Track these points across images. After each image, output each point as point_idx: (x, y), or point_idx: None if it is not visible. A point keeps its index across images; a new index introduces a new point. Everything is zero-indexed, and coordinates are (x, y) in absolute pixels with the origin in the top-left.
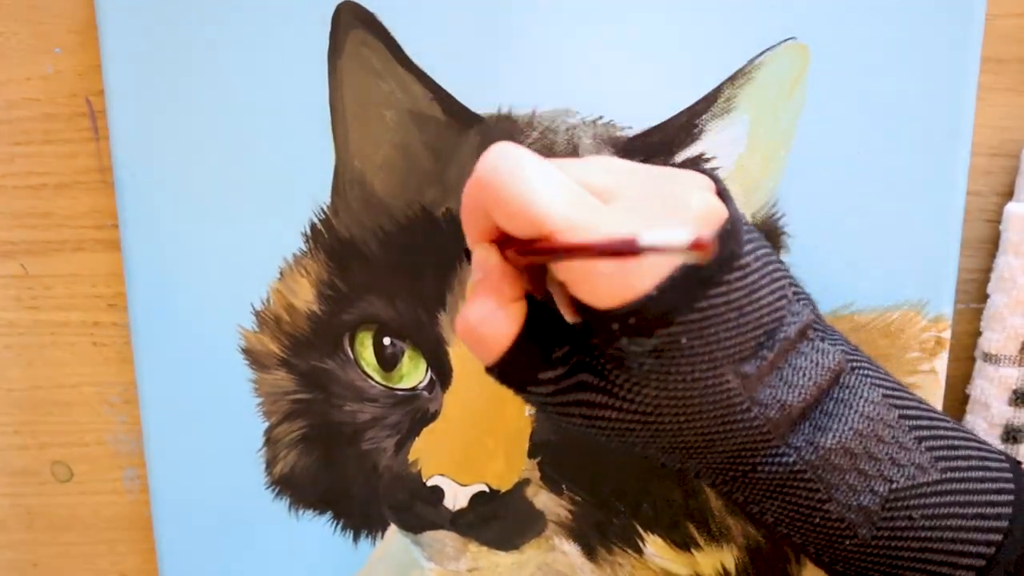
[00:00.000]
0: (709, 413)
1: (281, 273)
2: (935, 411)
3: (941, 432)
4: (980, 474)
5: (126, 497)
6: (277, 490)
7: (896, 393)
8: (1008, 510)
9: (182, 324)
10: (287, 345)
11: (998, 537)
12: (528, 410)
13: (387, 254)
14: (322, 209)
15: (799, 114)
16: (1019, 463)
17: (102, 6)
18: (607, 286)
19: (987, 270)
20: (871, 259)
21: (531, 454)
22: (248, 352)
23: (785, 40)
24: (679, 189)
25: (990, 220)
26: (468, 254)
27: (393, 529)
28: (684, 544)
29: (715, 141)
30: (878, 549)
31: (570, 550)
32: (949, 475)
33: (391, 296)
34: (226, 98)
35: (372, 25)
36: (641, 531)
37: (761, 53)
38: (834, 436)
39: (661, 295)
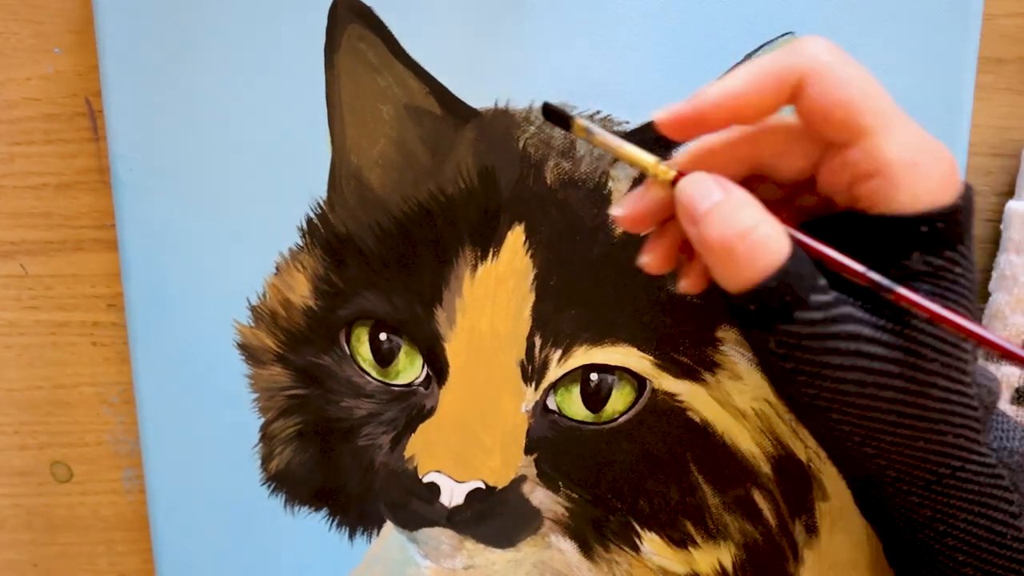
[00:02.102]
0: (952, 372)
1: (277, 268)
2: None
3: None
4: None
5: (125, 497)
6: (273, 486)
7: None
8: None
9: (179, 320)
10: (283, 340)
11: None
12: (525, 406)
13: (383, 249)
14: (318, 204)
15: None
16: None
17: (100, 5)
18: (931, 181)
19: (988, 269)
20: None
21: (527, 451)
22: (244, 347)
23: (783, 35)
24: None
25: (990, 219)
26: (559, 116)
27: (389, 526)
28: (681, 542)
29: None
30: None
31: (567, 547)
32: None
33: (387, 291)
34: (223, 94)
35: (369, 20)
36: (638, 529)
37: (759, 48)
38: (1020, 442)
39: (967, 201)
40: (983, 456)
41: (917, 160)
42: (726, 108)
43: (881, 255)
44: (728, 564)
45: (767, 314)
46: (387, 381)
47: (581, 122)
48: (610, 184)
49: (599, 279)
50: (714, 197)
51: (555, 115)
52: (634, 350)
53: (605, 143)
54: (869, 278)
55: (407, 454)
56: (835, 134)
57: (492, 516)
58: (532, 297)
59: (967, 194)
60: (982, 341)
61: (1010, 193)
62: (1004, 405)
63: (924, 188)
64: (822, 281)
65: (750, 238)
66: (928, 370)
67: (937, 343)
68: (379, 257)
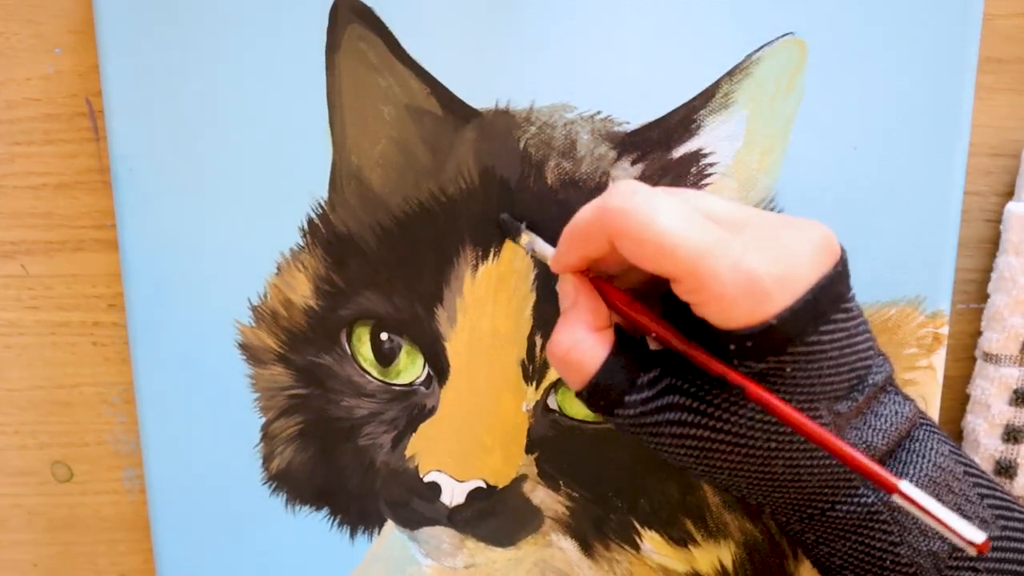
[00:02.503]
0: (797, 445)
1: (278, 268)
2: (988, 475)
3: (998, 493)
4: None
5: (126, 497)
6: (274, 486)
7: (958, 452)
8: None
9: (179, 320)
10: (284, 340)
11: None
12: (525, 405)
13: (384, 249)
14: (319, 204)
15: (797, 110)
16: None
17: (100, 5)
18: (738, 308)
19: (987, 270)
20: (868, 254)
21: (528, 450)
22: (245, 347)
23: (783, 35)
24: (799, 224)
25: (990, 220)
26: (511, 228)
27: (390, 525)
28: (681, 540)
29: (713, 136)
30: None
31: (567, 546)
32: (1009, 533)
33: (388, 291)
34: (224, 95)
35: (369, 20)
36: (638, 527)
37: (759, 48)
38: (911, 480)
39: (783, 324)
40: (855, 498)
41: (724, 293)
42: (572, 262)
43: (713, 350)
44: (728, 562)
45: (596, 409)
46: (388, 381)
47: (527, 237)
48: (610, 184)
49: None
50: (564, 306)
51: (506, 226)
52: None
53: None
54: (719, 370)
55: (408, 453)
56: (655, 273)
57: (493, 515)
58: (533, 297)
59: (811, 295)
60: (823, 444)
61: (1010, 194)
62: (1001, 407)
63: (731, 315)
64: (643, 379)
65: (566, 358)
66: (765, 448)
67: (770, 426)
68: (380, 257)
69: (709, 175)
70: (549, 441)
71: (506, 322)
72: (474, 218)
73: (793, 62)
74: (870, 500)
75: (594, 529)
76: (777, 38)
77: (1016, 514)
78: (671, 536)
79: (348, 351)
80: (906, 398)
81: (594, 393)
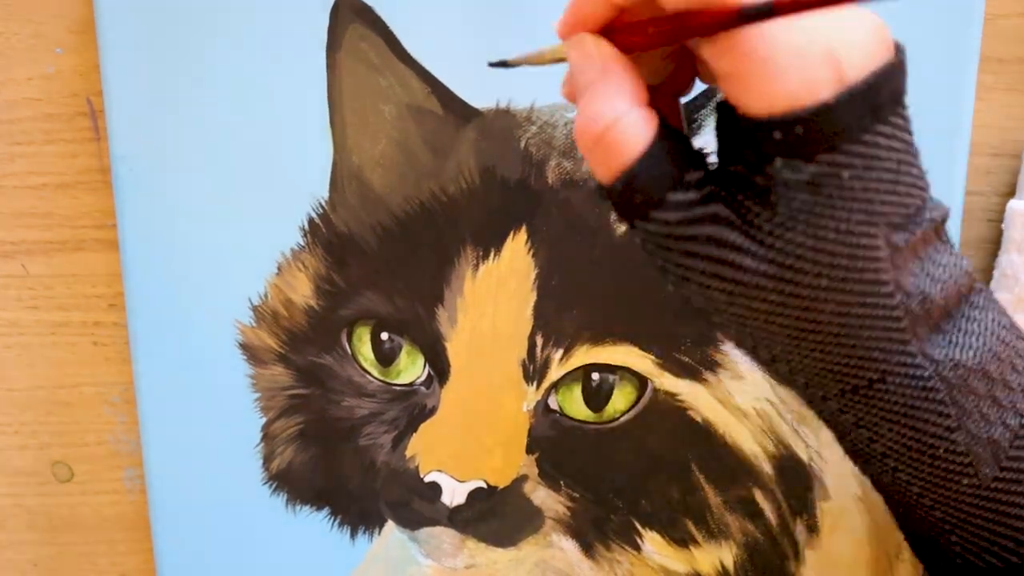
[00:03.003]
0: (852, 283)
1: (279, 268)
2: None
3: None
4: None
5: (126, 497)
6: (274, 486)
7: (1017, 328)
8: None
9: (180, 320)
10: (284, 340)
11: None
12: (526, 405)
13: (385, 249)
14: (320, 204)
15: None
16: None
17: (100, 5)
18: (784, 83)
19: (989, 269)
20: None
21: (529, 450)
22: (245, 347)
23: None
24: (846, 11)
25: (992, 219)
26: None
27: (390, 525)
28: (682, 541)
29: (713, 136)
30: (994, 493)
31: (568, 547)
32: None
33: (389, 291)
34: (224, 95)
35: (370, 20)
36: (639, 528)
37: None
38: (975, 354)
39: (839, 108)
40: (910, 368)
41: (771, 56)
42: (599, 8)
43: (747, 158)
44: (729, 563)
45: (626, 210)
46: (388, 381)
47: (515, 58)
48: None
49: (600, 279)
50: (584, 78)
51: (499, 64)
52: (635, 350)
53: (534, 58)
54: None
55: (408, 453)
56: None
57: (493, 515)
58: (533, 297)
59: (861, 89)
60: None
61: (1011, 193)
62: None
63: (780, 89)
64: (689, 176)
65: (605, 136)
66: (814, 286)
67: (823, 256)
68: (381, 257)
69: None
70: (550, 441)
71: (506, 322)
72: (475, 218)
73: None
74: (927, 374)
75: (595, 529)
76: None
77: None
78: (672, 537)
79: (349, 351)
80: (960, 255)
81: (630, 186)
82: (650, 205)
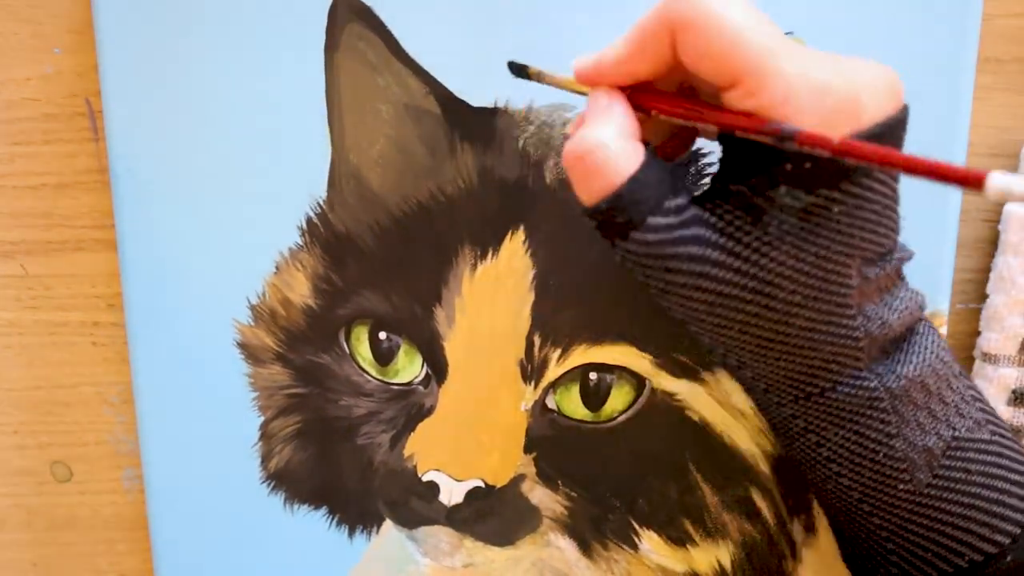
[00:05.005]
0: (821, 304)
1: (277, 267)
2: (971, 379)
3: (981, 398)
4: (1017, 445)
5: (125, 497)
6: (272, 485)
7: (951, 354)
8: None
9: (178, 320)
10: (282, 339)
11: None
12: (524, 405)
13: (383, 248)
14: (318, 203)
15: None
16: None
17: (99, 5)
18: (802, 123)
19: (986, 270)
20: None
21: (527, 449)
22: (244, 346)
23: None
24: (863, 61)
25: (988, 220)
26: (518, 68)
27: (388, 524)
28: (680, 540)
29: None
30: (928, 499)
31: (565, 546)
32: (997, 438)
33: (387, 290)
34: (223, 94)
35: (368, 19)
36: (637, 527)
37: None
38: (915, 368)
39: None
40: (859, 380)
41: (789, 98)
42: (620, 72)
43: (754, 182)
44: (727, 563)
45: (607, 229)
46: (386, 380)
47: (535, 69)
48: None
49: (598, 278)
50: (593, 108)
51: (516, 68)
52: (633, 349)
53: (550, 79)
54: (768, 129)
55: (406, 453)
56: (711, 80)
57: (491, 514)
58: (531, 296)
59: (876, 131)
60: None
61: None
62: (1000, 407)
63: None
64: (672, 202)
65: (590, 157)
66: (788, 301)
67: (800, 276)
68: (378, 256)
69: (708, 175)
70: (547, 441)
71: (504, 321)
72: (473, 217)
73: None
74: (873, 385)
75: (592, 529)
76: None
77: (998, 420)
78: (669, 536)
79: (346, 350)
80: (916, 291)
81: (614, 207)
82: (631, 227)
